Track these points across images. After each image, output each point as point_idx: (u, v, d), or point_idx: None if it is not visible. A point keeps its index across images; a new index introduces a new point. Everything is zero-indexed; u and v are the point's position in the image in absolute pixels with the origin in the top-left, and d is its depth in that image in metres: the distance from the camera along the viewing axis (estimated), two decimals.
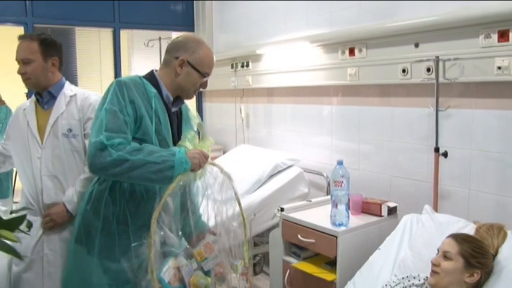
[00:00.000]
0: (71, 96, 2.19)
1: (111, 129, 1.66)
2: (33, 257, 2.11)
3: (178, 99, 1.92)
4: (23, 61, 2.11)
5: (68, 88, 2.22)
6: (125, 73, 4.91)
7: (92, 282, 1.80)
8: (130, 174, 1.65)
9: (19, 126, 2.20)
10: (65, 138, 2.14)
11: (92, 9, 4.33)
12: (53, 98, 2.18)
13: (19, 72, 2.13)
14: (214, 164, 1.86)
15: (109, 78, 4.61)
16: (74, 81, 3.95)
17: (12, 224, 1.38)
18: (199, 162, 1.74)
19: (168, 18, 4.79)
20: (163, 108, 1.83)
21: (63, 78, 2.25)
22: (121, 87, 1.72)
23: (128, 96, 1.72)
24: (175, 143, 1.86)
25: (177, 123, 1.94)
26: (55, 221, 2.09)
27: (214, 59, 1.93)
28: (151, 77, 1.86)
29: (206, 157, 1.78)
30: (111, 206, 1.78)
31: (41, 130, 2.16)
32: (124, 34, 4.86)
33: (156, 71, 1.89)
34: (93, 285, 1.80)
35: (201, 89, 1.93)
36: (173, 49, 1.87)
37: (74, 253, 1.89)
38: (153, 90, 1.80)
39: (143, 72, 1.91)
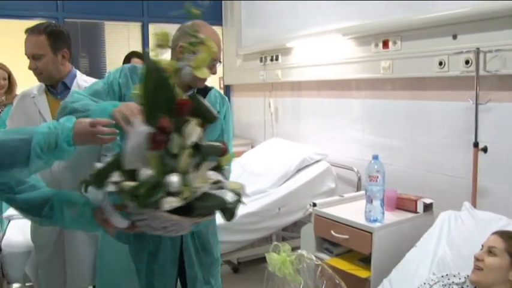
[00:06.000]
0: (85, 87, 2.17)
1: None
2: (52, 240, 2.08)
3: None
4: (33, 56, 2.04)
5: (81, 78, 2.18)
6: None
7: None
8: None
9: (27, 113, 2.12)
10: None
11: (121, 3, 4.40)
12: (67, 88, 2.13)
13: (30, 68, 2.07)
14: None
15: None
16: (102, 76, 3.99)
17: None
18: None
19: None
20: None
21: (74, 68, 2.20)
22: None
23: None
24: None
25: None
26: None
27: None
28: None
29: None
30: None
31: (55, 119, 2.13)
32: (151, 28, 4.88)
33: None
34: None
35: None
36: None
37: None
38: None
39: None
